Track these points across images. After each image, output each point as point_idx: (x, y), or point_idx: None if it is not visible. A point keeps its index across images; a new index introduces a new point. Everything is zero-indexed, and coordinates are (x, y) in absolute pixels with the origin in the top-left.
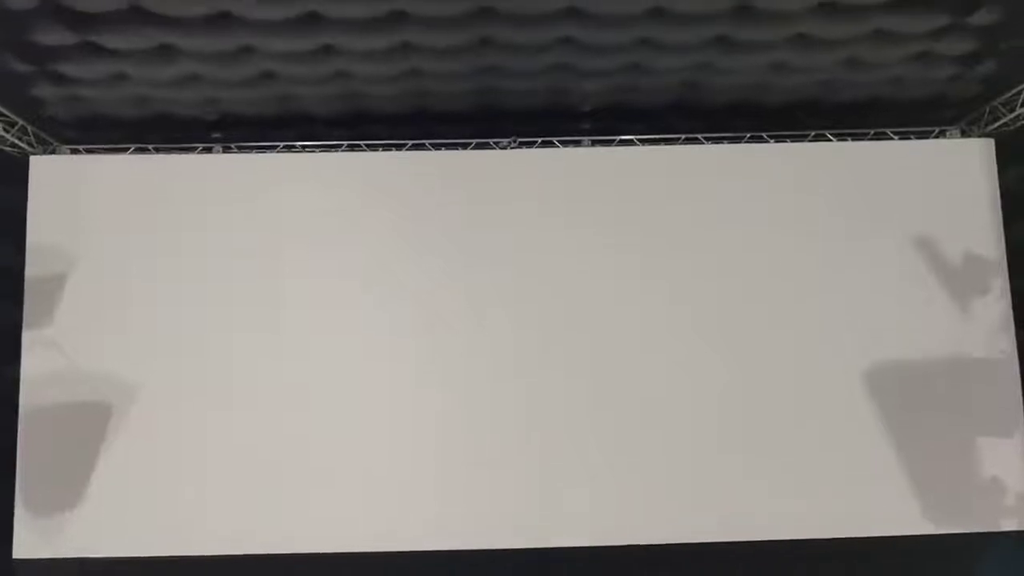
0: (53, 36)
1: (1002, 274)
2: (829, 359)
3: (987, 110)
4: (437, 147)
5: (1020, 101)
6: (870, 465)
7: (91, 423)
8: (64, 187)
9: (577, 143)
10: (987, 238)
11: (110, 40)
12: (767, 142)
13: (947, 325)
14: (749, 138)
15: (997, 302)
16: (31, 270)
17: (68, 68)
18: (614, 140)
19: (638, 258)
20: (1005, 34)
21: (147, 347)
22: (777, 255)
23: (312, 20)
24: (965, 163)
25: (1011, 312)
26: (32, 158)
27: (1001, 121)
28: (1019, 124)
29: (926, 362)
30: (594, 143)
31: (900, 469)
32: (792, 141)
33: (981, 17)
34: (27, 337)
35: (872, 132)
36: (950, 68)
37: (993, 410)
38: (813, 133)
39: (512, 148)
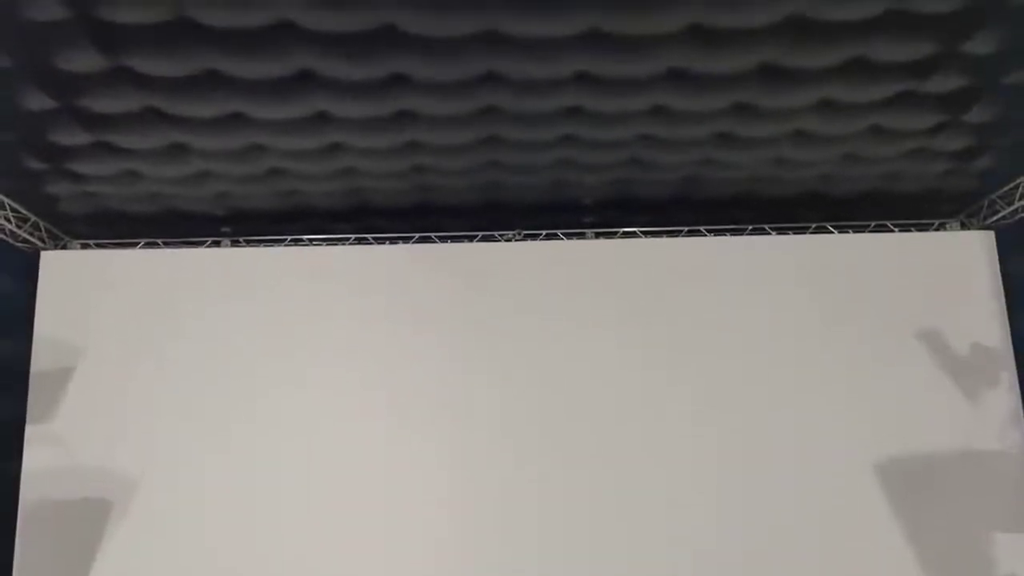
0: (69, 136)
1: (1009, 366)
2: (834, 452)
3: (985, 203)
4: (443, 240)
5: (1018, 194)
6: (879, 559)
7: (91, 519)
8: (73, 282)
9: (581, 235)
10: (992, 330)
11: (124, 140)
12: (769, 234)
13: (956, 417)
14: (751, 230)
15: (1007, 394)
16: (37, 364)
17: (82, 166)
18: (617, 232)
19: (641, 350)
20: (999, 131)
21: (149, 444)
22: (780, 347)
23: (320, 120)
24: (967, 255)
25: (1021, 404)
26: (43, 253)
27: (1000, 214)
28: (1018, 217)
29: (936, 455)
30: (597, 235)
31: (910, 564)
32: (794, 233)
33: (976, 115)
34: (30, 432)
35: (873, 224)
36: (947, 163)
37: (1006, 504)
38: (814, 225)
39: (517, 241)
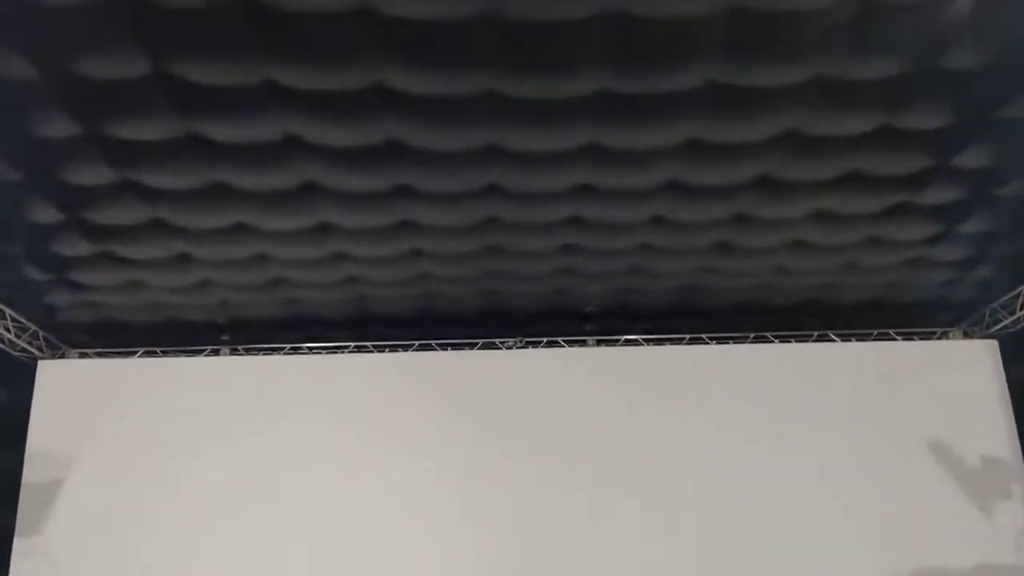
0: (73, 247)
1: (1020, 478)
2: (841, 566)
3: (987, 312)
4: (443, 347)
5: (1019, 304)
6: None
7: None
8: (69, 391)
9: (582, 343)
10: (1001, 441)
11: (128, 250)
12: (772, 342)
13: (968, 530)
14: (753, 338)
15: (1020, 507)
16: (29, 476)
17: (84, 276)
18: (619, 340)
19: (643, 458)
20: (996, 242)
21: (143, 558)
22: (784, 457)
23: (324, 230)
24: (970, 364)
25: None
26: (40, 362)
27: (1002, 323)
28: (1021, 326)
29: (948, 569)
30: (599, 343)
31: None
32: (797, 341)
33: (972, 226)
34: (19, 545)
35: (875, 333)
36: (946, 273)
37: None
38: (817, 334)
39: (518, 348)
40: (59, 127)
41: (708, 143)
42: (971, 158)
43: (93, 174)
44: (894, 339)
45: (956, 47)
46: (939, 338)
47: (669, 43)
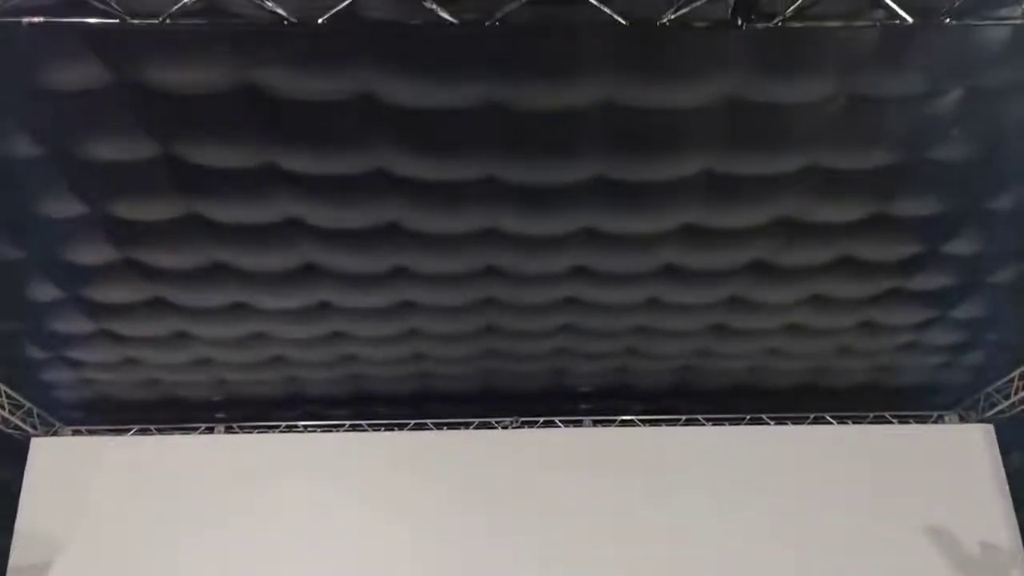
0: (71, 325)
1: (1020, 564)
2: None
3: (982, 396)
4: (439, 427)
5: (1014, 388)
6: None
7: None
8: (62, 470)
9: (578, 423)
10: (1000, 526)
11: (127, 328)
12: (768, 424)
13: None
14: (750, 420)
15: None
16: (16, 558)
17: (81, 353)
18: (615, 421)
19: (639, 540)
20: (988, 327)
21: None
22: (781, 540)
23: (323, 309)
24: (967, 448)
25: None
26: (33, 440)
27: (998, 408)
28: (1016, 410)
29: None
30: (595, 423)
31: None
32: (793, 424)
33: (964, 311)
34: None
35: (871, 416)
36: (940, 357)
37: None
38: (812, 416)
39: (514, 428)
40: (64, 206)
41: (704, 228)
42: (961, 245)
43: (95, 253)
44: (890, 422)
45: (945, 139)
46: (935, 422)
47: (666, 132)
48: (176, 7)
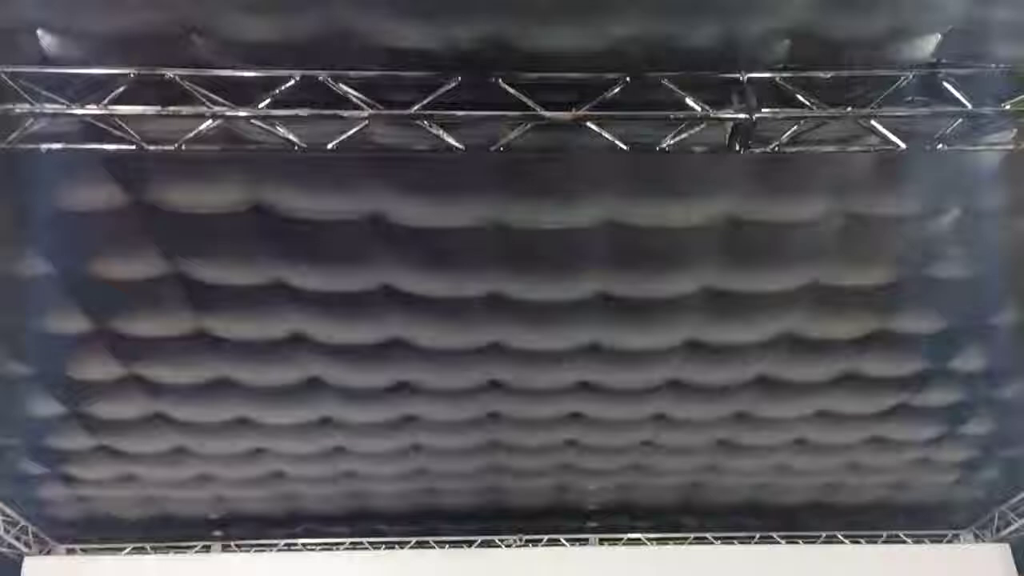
0: (71, 440)
1: None
2: None
3: (996, 514)
4: (441, 545)
5: None
6: None
7: None
8: None
9: (584, 541)
10: None
11: (127, 444)
12: (778, 543)
13: None
14: (760, 538)
15: None
16: None
17: (79, 470)
18: (622, 539)
19: None
20: (1000, 443)
21: None
22: None
23: (325, 424)
24: (984, 568)
25: None
26: (27, 559)
27: (1013, 526)
28: None
29: None
30: (601, 541)
31: None
32: (804, 543)
33: (974, 427)
34: None
35: (885, 535)
36: (952, 473)
37: None
38: (824, 535)
39: (518, 547)
40: (70, 323)
41: (707, 344)
42: (967, 361)
43: (98, 369)
44: (904, 541)
45: (944, 257)
46: (949, 541)
47: (667, 250)
48: (192, 134)
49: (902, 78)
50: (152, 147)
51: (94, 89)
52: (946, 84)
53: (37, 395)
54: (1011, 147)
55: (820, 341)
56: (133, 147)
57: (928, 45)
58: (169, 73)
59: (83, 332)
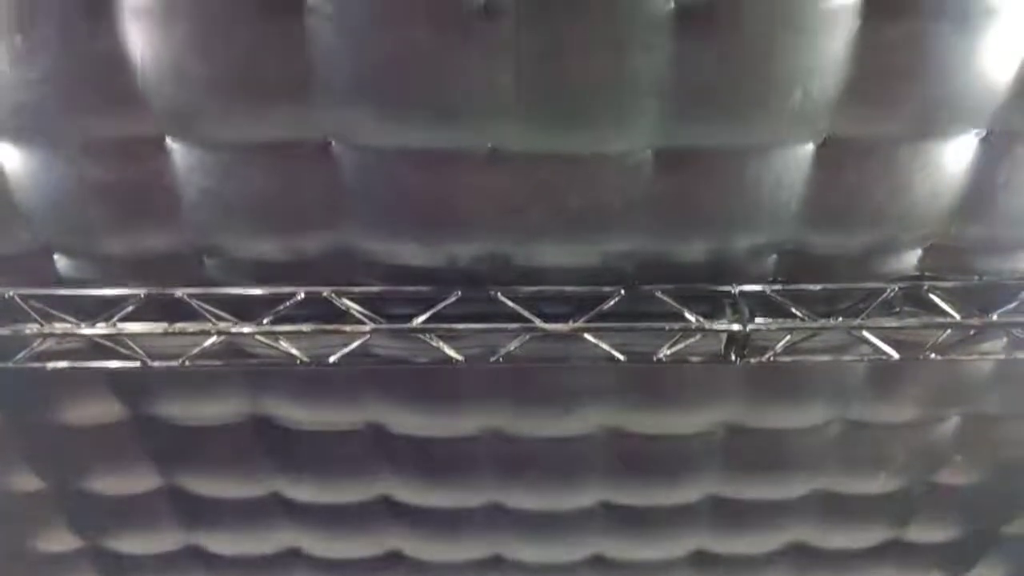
0: None
1: None
2: None
3: None
4: None
5: None
6: None
7: None
8: None
9: None
10: None
11: None
12: None
13: None
14: None
15: None
16: None
17: None
18: None
19: None
20: None
21: None
22: None
23: None
24: None
25: None
26: None
27: None
28: None
29: None
30: None
31: None
32: None
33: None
34: None
35: None
36: None
37: None
38: None
39: None
40: (59, 541)
41: (714, 555)
42: (986, 572)
43: None
44: None
45: (950, 464)
46: None
47: (669, 458)
48: (196, 350)
49: (888, 290)
50: (156, 363)
51: (103, 307)
52: (932, 296)
53: None
54: (1003, 356)
55: (831, 552)
56: (138, 364)
57: (911, 258)
58: (178, 292)
59: (70, 550)
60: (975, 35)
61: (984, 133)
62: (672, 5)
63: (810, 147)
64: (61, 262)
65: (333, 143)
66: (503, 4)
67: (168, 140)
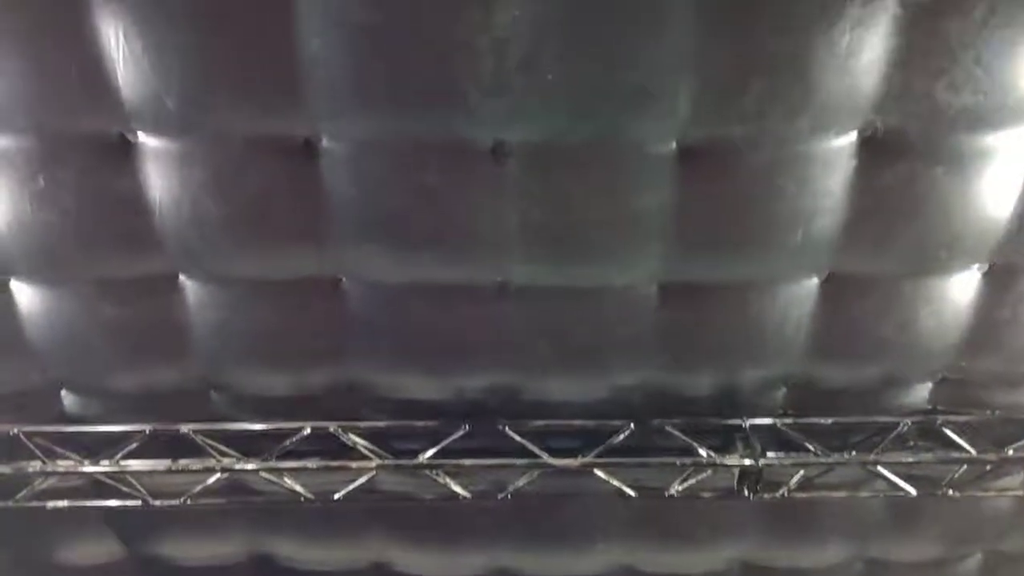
0: None
1: None
2: None
3: None
4: None
5: None
6: None
7: None
8: None
9: None
10: None
11: None
12: None
13: None
14: None
15: None
16: None
17: None
18: None
19: None
20: None
21: None
22: None
23: None
24: None
25: None
26: None
27: None
28: None
29: None
30: None
31: None
32: None
33: None
34: None
35: None
36: None
37: None
38: None
39: None
40: None
41: None
42: None
43: None
44: None
45: None
46: None
47: None
48: (199, 488)
49: (901, 424)
50: (158, 502)
51: (107, 444)
52: (946, 430)
53: None
54: (1021, 493)
55: None
56: (139, 502)
57: (922, 392)
58: (183, 428)
59: None
60: (971, 175)
61: (986, 268)
62: (674, 147)
63: (814, 282)
64: (68, 398)
65: (344, 279)
66: (510, 148)
67: (182, 277)
